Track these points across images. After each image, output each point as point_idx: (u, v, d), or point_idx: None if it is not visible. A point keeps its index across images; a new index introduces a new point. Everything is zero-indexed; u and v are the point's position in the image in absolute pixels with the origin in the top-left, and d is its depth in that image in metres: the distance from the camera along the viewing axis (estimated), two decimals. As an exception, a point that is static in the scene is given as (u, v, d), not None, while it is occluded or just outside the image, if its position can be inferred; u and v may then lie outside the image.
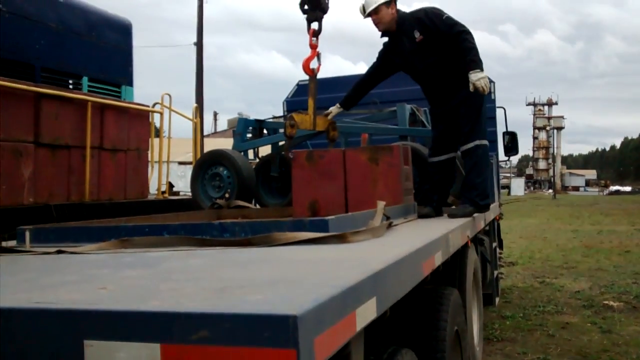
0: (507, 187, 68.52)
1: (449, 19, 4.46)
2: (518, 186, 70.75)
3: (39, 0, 5.91)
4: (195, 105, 8.62)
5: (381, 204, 3.43)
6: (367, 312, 1.51)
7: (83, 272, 1.95)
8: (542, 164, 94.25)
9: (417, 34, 4.50)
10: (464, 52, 4.34)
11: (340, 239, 2.53)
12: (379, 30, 4.69)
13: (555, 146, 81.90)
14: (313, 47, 4.64)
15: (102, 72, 6.71)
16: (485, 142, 4.49)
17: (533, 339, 6.20)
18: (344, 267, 1.75)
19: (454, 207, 4.65)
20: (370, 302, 1.55)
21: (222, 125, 60.47)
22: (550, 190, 65.43)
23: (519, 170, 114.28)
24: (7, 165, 4.76)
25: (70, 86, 6.37)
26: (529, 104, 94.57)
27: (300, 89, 7.78)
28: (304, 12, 4.59)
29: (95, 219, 4.66)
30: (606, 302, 7.73)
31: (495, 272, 6.65)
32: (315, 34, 4.59)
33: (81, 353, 1.21)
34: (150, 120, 6.90)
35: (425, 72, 4.61)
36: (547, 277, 9.88)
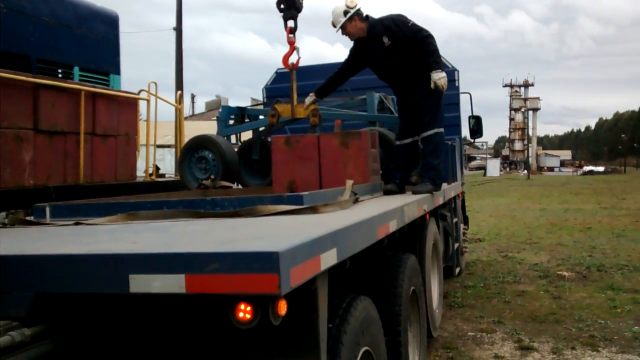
0: (483, 168, 69.75)
1: (414, 25, 5.05)
2: (494, 167, 71.91)
3: (33, -5, 6.29)
4: (179, 92, 9.07)
5: (349, 182, 3.99)
6: (329, 258, 2.07)
7: (108, 235, 2.48)
8: (518, 145, 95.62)
9: (385, 39, 5.06)
10: (428, 54, 4.94)
11: (313, 210, 3.09)
12: (351, 40, 5.24)
13: (531, 127, 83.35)
14: (291, 43, 5.15)
15: (91, 62, 7.13)
16: (442, 129, 5.10)
17: (490, 305, 6.87)
18: (313, 227, 2.31)
19: (416, 185, 5.23)
20: (331, 251, 2.11)
21: (200, 107, 60.44)
22: (526, 171, 66.75)
23: (496, 151, 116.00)
24: (9, 150, 5.21)
25: (60, 75, 6.79)
26: (505, 86, 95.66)
27: (279, 77, 8.27)
28: (280, 10, 5.09)
29: (90, 199, 5.16)
30: (560, 272, 8.45)
31: (456, 245, 7.29)
32: (292, 31, 5.10)
33: (127, 283, 1.75)
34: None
35: (392, 70, 5.17)
36: (510, 252, 10.60)
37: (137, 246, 1.98)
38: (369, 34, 5.14)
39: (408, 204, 3.75)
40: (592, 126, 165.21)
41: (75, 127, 5.91)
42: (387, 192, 4.87)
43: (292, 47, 5.18)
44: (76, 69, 6.84)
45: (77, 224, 3.15)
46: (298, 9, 5.11)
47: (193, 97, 64.78)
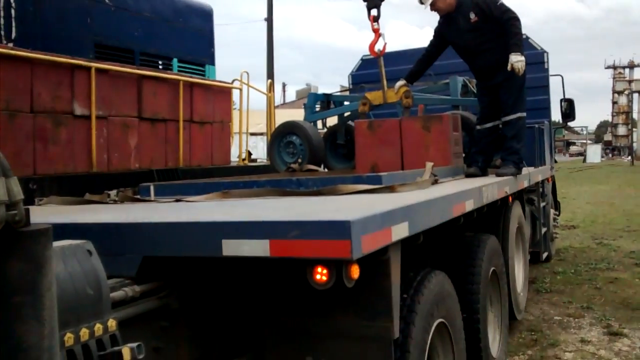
0: (583, 154, 66.42)
1: (503, 5, 5.02)
2: (594, 153, 68.25)
3: (136, -7, 6.79)
4: (269, 80, 9.44)
5: (429, 164, 4.12)
6: (400, 230, 2.24)
7: (204, 209, 2.78)
8: (621, 130, 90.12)
9: (472, 15, 5.06)
10: (510, 36, 4.91)
11: (390, 189, 3.26)
12: (440, 15, 5.28)
13: (635, 111, 78.27)
14: (375, 31, 5.29)
15: (189, 54, 7.58)
16: (524, 114, 5.07)
17: (580, 291, 6.73)
18: (387, 203, 2.48)
19: (500, 168, 5.23)
20: (403, 224, 2.28)
21: (291, 96, 61.52)
22: (630, 157, 62.91)
23: (597, 137, 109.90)
24: (117, 136, 5.72)
25: (161, 67, 7.28)
26: (608, 67, 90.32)
27: (365, 64, 8.42)
28: (364, 0, 5.24)
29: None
30: (658, 260, 8.09)
31: (544, 230, 7.17)
32: (376, 19, 5.24)
33: (220, 247, 2.01)
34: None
35: (475, 49, 5.17)
36: (606, 239, 10.22)
37: (228, 215, 2.25)
38: (456, 9, 5.15)
39: (487, 185, 3.82)
40: None
41: (175, 115, 6.36)
42: (469, 175, 4.92)
43: (377, 34, 5.32)
44: (175, 61, 7.30)
45: (177, 200, 3.49)
46: None
47: (284, 85, 66.08)
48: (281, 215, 2.15)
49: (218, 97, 7.19)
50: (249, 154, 8.54)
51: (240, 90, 8.08)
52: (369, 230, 1.97)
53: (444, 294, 2.93)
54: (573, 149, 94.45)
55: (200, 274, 2.36)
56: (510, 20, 4.97)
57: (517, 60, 4.85)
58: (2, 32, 5.23)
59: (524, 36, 7.67)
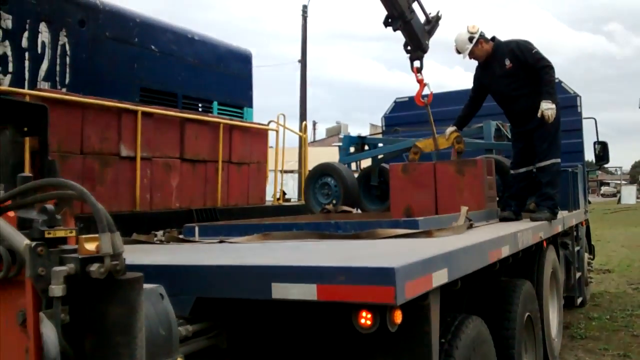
0: (615, 194, 65.02)
1: (538, 53, 5.16)
2: (629, 194, 66.65)
3: (180, 39, 7.12)
4: (304, 122, 9.68)
5: (464, 209, 4.20)
6: (440, 277, 2.34)
7: (250, 251, 2.91)
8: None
9: (507, 62, 5.20)
10: (543, 84, 5.04)
11: (427, 234, 3.36)
12: (478, 61, 5.42)
13: (672, 152, 76.73)
14: (420, 81, 5.49)
15: (228, 97, 7.86)
16: (559, 160, 5.14)
17: (617, 338, 6.63)
18: (427, 249, 2.58)
19: (534, 212, 5.27)
20: (442, 270, 2.37)
21: (321, 134, 62.11)
22: (666, 199, 61.36)
23: (632, 177, 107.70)
24: (160, 176, 5.95)
25: (201, 109, 7.56)
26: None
27: (397, 106, 8.59)
28: (407, 52, 5.44)
29: (225, 220, 5.74)
30: (697, 307, 7.92)
31: (579, 275, 7.12)
32: (419, 70, 5.43)
33: (270, 290, 2.13)
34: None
35: (509, 95, 5.29)
36: (643, 285, 10.03)
37: (278, 260, 2.38)
38: (492, 55, 5.30)
39: (522, 231, 3.89)
40: None
41: (214, 156, 6.59)
42: (503, 219, 4.98)
43: (422, 85, 5.51)
44: (215, 104, 7.58)
45: (221, 241, 3.64)
46: (424, 50, 5.43)
47: (314, 124, 66.88)
48: (328, 261, 2.27)
49: (255, 138, 7.42)
50: (283, 193, 8.72)
51: (277, 132, 8.33)
52: (412, 277, 2.08)
53: (480, 340, 2.99)
54: (605, 189, 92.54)
55: (249, 315, 2.48)
56: (544, 68, 5.09)
57: (547, 108, 4.95)
58: (57, 79, 5.55)
59: (557, 80, 7.79)
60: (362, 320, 2.06)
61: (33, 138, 2.68)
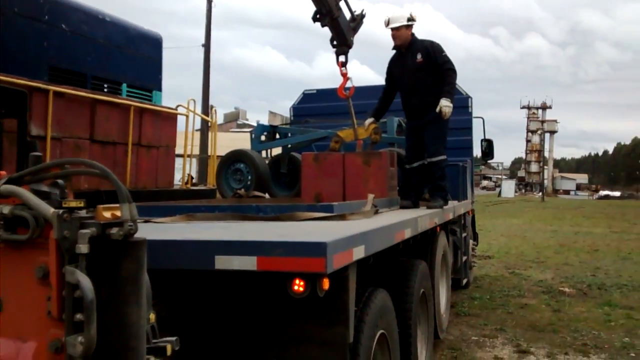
0: (492, 188, 69.55)
1: (446, 56, 5.72)
2: (509, 188, 71.93)
3: (91, 20, 7.04)
4: (214, 108, 9.79)
5: (371, 196, 4.64)
6: (359, 252, 2.71)
7: (182, 230, 3.14)
8: (534, 167, 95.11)
9: (419, 57, 5.72)
10: (445, 84, 5.63)
11: (341, 217, 3.74)
12: (394, 44, 5.86)
13: (547, 149, 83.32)
14: (344, 75, 5.86)
15: (137, 80, 7.85)
16: (445, 156, 5.81)
17: (495, 315, 7.44)
18: (347, 229, 2.95)
19: (429, 201, 5.82)
20: (360, 247, 2.75)
21: (219, 119, 61.42)
22: (541, 193, 66.80)
23: (511, 173, 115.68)
24: (69, 157, 5.92)
25: (110, 91, 7.51)
26: (523, 107, 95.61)
27: (306, 98, 8.96)
28: (333, 46, 5.79)
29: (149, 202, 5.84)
30: (562, 289, 8.99)
31: (465, 258, 7.88)
32: (344, 64, 5.80)
33: (213, 261, 2.40)
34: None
35: (413, 88, 5.80)
36: (517, 269, 11.14)
37: (219, 235, 2.65)
38: (408, 47, 5.78)
39: (421, 216, 4.38)
40: (610, 150, 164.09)
41: (124, 138, 6.62)
42: (403, 207, 5.49)
43: (346, 78, 5.89)
44: (124, 86, 7.55)
45: (147, 221, 3.81)
46: (349, 45, 5.81)
47: (211, 108, 65.94)
48: (265, 237, 2.57)
49: (165, 122, 7.50)
50: (191, 177, 8.83)
51: (187, 116, 8.42)
52: (338, 251, 2.42)
53: (385, 309, 3.42)
54: (486, 183, 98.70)
55: (195, 286, 2.73)
56: (448, 70, 5.68)
57: (445, 105, 5.54)
58: (-38, 53, 5.37)
59: (453, 83, 8.50)
60: (296, 287, 2.39)
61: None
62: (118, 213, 1.42)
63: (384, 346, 3.45)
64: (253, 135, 7.18)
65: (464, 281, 8.26)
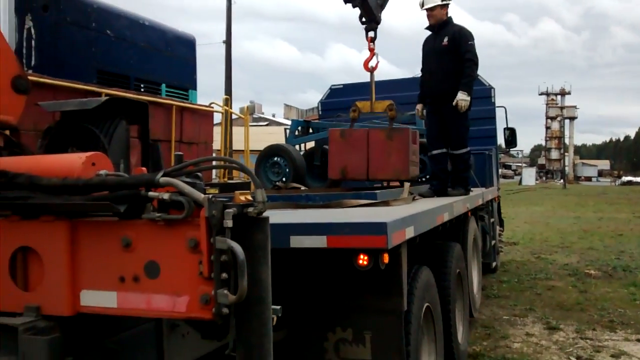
0: (511, 177, 69.15)
1: (472, 46, 5.72)
2: (529, 175, 71.61)
3: (133, 25, 7.45)
4: (246, 106, 10.20)
5: (407, 185, 5.00)
6: (410, 231, 3.08)
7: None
8: (554, 154, 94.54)
9: (445, 40, 5.79)
10: (464, 76, 5.68)
11: (385, 203, 4.11)
12: (429, 23, 5.97)
13: (567, 136, 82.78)
14: (371, 50, 6.06)
15: (175, 80, 8.25)
16: (468, 148, 5.92)
17: (523, 296, 7.77)
18: (398, 212, 3.31)
19: (451, 190, 5.97)
20: (411, 227, 3.12)
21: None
22: (562, 180, 66.51)
23: (531, 160, 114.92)
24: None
25: (148, 91, 7.93)
26: (541, 94, 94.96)
27: (333, 92, 9.32)
28: (362, 23, 6.04)
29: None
30: (588, 271, 9.27)
31: (493, 242, 8.21)
32: (372, 40, 6.02)
33: (288, 240, 2.78)
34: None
35: (435, 70, 5.88)
36: (543, 254, 11.43)
37: (291, 218, 3.03)
38: (439, 28, 5.86)
39: (456, 202, 4.73)
40: (632, 135, 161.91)
41: (167, 136, 7.05)
42: (423, 196, 5.52)
43: (372, 53, 6.09)
44: (163, 86, 7.97)
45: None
46: (377, 22, 6.06)
47: (246, 107, 66.38)
48: (331, 219, 2.95)
49: (202, 119, 7.94)
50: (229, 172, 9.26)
51: (223, 114, 8.84)
52: (395, 230, 2.80)
53: (429, 285, 3.79)
54: (505, 171, 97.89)
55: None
56: (469, 61, 5.69)
57: (462, 99, 5.59)
58: (24, 61, 5.82)
59: (474, 74, 8.77)
60: (360, 261, 2.77)
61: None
62: (248, 197, 1.81)
63: (429, 318, 3.82)
64: (288, 131, 7.56)
65: (494, 264, 8.59)
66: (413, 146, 5.63)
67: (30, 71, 5.78)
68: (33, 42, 5.94)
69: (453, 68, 5.74)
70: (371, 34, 6.07)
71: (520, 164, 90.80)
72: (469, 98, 5.65)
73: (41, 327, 1.88)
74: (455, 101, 5.60)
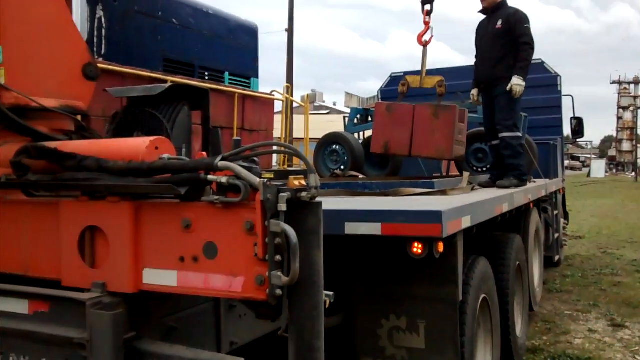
0: (575, 169, 66.51)
1: (527, 29, 5.49)
2: (598, 168, 68.81)
3: (197, 13, 7.62)
4: (307, 94, 10.28)
5: (466, 174, 4.93)
6: (466, 221, 3.05)
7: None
8: (626, 146, 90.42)
9: (499, 23, 5.56)
10: (519, 59, 5.42)
11: (443, 192, 4.07)
12: (482, 6, 5.77)
13: (640, 127, 78.93)
14: (426, 24, 5.94)
15: (237, 68, 8.39)
16: (519, 133, 5.60)
17: (587, 292, 7.52)
18: (454, 202, 3.28)
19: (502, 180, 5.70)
20: (467, 217, 3.08)
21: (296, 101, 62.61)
22: (634, 173, 63.61)
23: (601, 152, 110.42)
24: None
25: (212, 79, 8.10)
26: (613, 82, 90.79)
27: (393, 80, 9.23)
28: None
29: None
30: (658, 267, 8.88)
31: (556, 236, 7.98)
32: (428, 13, 5.90)
33: (343, 227, 2.81)
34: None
35: (488, 54, 5.67)
36: (610, 249, 11.01)
37: (346, 205, 3.06)
38: (492, 11, 5.66)
39: (517, 192, 4.63)
40: None
41: (229, 123, 7.20)
42: (481, 186, 5.31)
43: (427, 27, 5.97)
44: (226, 74, 8.12)
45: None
46: None
47: (307, 96, 66.91)
48: (386, 207, 2.96)
49: (264, 107, 8.06)
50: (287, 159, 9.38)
51: (283, 102, 8.94)
52: (450, 219, 2.78)
53: (487, 276, 3.74)
54: (573, 163, 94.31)
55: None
56: (524, 45, 5.42)
57: (517, 84, 5.32)
58: (95, 49, 6.06)
59: (540, 60, 8.51)
60: (415, 250, 2.76)
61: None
62: (302, 182, 1.85)
63: (486, 309, 3.78)
64: (347, 119, 7.56)
65: (556, 258, 8.35)
66: (460, 125, 5.43)
67: (100, 59, 6.05)
68: (103, 31, 6.18)
69: (507, 52, 5.53)
70: (427, 7, 5.96)
71: (589, 156, 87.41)
72: (524, 83, 5.41)
73: (107, 303, 1.99)
74: (509, 85, 5.36)
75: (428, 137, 5.31)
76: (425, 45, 6.08)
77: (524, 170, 5.55)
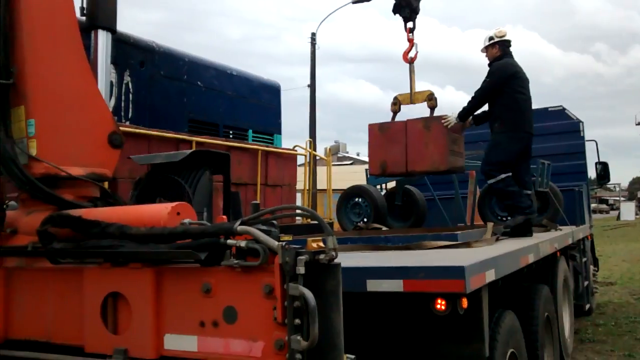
0: (603, 211, 65.16)
1: (485, 81, 5.62)
2: (628, 210, 67.24)
3: (221, 75, 7.86)
4: (329, 148, 10.39)
5: (490, 224, 4.90)
6: (490, 275, 3.03)
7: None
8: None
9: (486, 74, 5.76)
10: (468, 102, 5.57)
11: (467, 245, 4.05)
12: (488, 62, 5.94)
13: (669, 168, 77.44)
14: (410, 40, 6.06)
15: (261, 125, 8.58)
16: (503, 175, 5.39)
17: (622, 341, 7.27)
18: (478, 255, 3.26)
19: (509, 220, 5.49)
20: (491, 270, 3.06)
21: (320, 153, 63.19)
22: (665, 215, 62.01)
23: (630, 194, 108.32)
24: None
25: (231, 136, 8.26)
26: (638, 124, 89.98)
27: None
28: (401, 14, 6.03)
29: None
30: (696, 314, 8.56)
31: (586, 283, 7.79)
32: (411, 30, 6.03)
33: (365, 284, 2.81)
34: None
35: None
36: (645, 295, 10.68)
37: (367, 262, 3.07)
38: (489, 65, 5.82)
39: (542, 242, 4.58)
40: None
41: (253, 179, 7.30)
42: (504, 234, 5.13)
43: (412, 44, 6.08)
44: (250, 132, 8.30)
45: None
46: (416, 10, 6.05)
47: (328, 149, 67.57)
48: (407, 262, 2.96)
49: (286, 162, 8.17)
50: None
51: (306, 157, 9.06)
52: (473, 274, 2.76)
53: (514, 330, 3.66)
54: (600, 207, 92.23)
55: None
56: (475, 93, 5.63)
57: (451, 115, 5.41)
58: (122, 113, 6.27)
59: (560, 107, 8.54)
60: (438, 306, 2.74)
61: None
62: (320, 244, 1.88)
63: (515, 365, 3.68)
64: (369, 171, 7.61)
65: (587, 307, 8.13)
66: (453, 135, 5.41)
67: (127, 122, 6.25)
68: (130, 95, 6.40)
69: (491, 104, 5.71)
70: (410, 24, 6.11)
71: (617, 198, 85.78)
72: (454, 120, 5.43)
73: (128, 369, 2.01)
74: (446, 114, 5.46)
75: (422, 151, 5.31)
76: (411, 62, 6.18)
77: (524, 205, 5.42)
